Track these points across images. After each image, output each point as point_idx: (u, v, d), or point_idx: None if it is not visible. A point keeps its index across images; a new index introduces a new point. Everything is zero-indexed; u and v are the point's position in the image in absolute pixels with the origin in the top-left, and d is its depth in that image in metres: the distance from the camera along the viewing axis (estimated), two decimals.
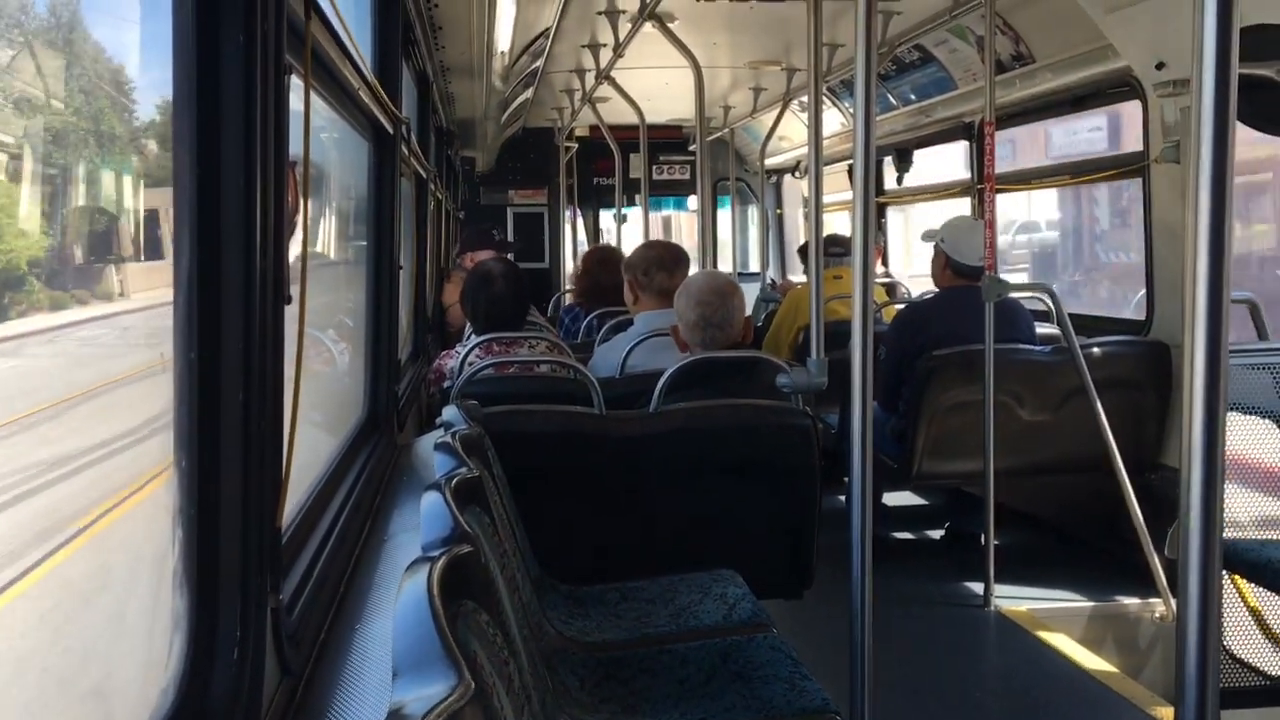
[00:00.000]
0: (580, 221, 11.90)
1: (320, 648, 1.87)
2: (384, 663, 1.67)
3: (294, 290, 1.70)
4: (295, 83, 1.78)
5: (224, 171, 1.44)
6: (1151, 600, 4.34)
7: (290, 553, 1.96)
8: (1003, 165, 5.71)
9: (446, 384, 3.90)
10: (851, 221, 2.73)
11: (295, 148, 1.77)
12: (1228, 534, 3.75)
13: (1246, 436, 3.94)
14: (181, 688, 1.43)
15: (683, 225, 15.92)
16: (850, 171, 3.22)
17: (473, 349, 3.87)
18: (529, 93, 8.32)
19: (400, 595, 1.35)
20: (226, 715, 1.43)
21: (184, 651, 1.46)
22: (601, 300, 5.59)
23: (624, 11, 5.59)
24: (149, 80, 1.54)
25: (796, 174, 10.40)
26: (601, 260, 6.08)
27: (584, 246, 11.87)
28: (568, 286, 10.57)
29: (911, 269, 10.24)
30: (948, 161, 7.24)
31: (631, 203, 9.88)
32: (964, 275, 4.98)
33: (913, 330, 4.95)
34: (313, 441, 2.63)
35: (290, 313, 1.68)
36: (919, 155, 7.71)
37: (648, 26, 5.10)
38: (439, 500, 1.81)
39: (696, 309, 3.54)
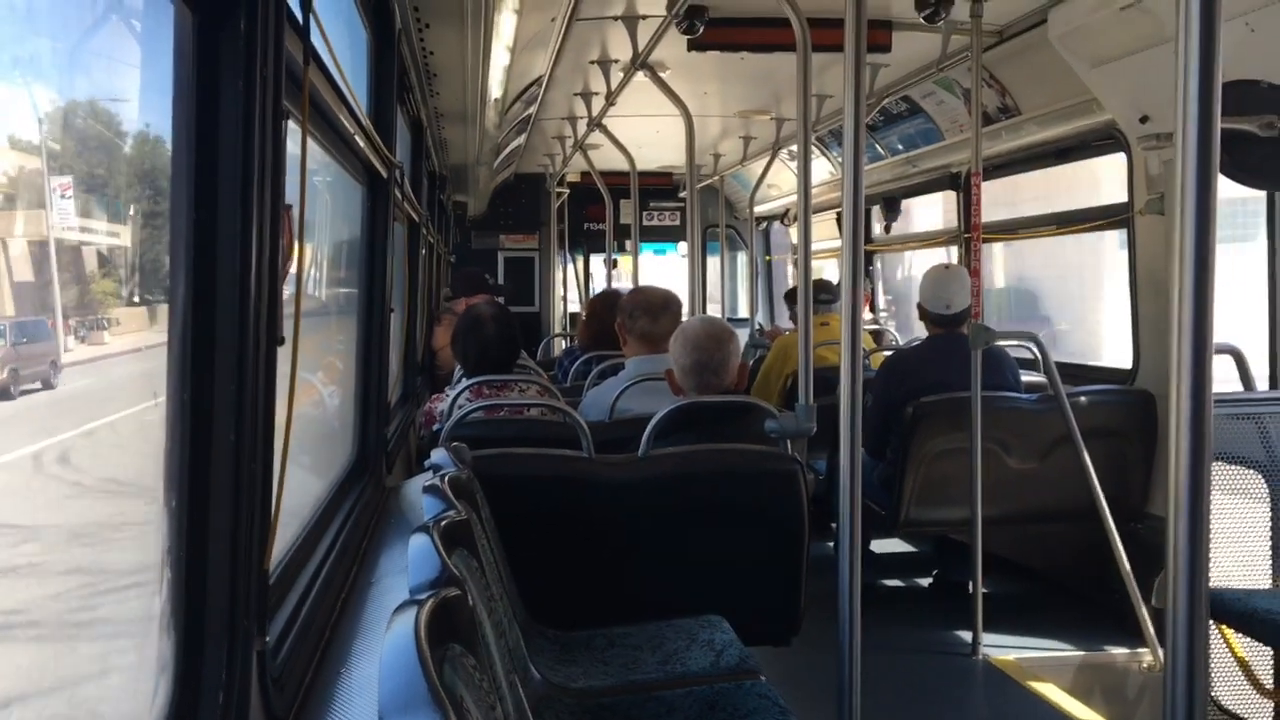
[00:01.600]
0: (571, 267, 11.97)
1: (306, 691, 1.85)
2: (370, 707, 1.66)
3: (286, 331, 1.70)
4: (292, 128, 1.80)
5: (220, 214, 1.46)
6: (1139, 650, 4.33)
7: (277, 595, 1.95)
8: None
9: (436, 427, 3.89)
10: (840, 269, 2.76)
11: (292, 191, 1.78)
12: (1215, 584, 3.75)
13: (1233, 486, 3.95)
14: None
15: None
16: (839, 219, 3.26)
17: (462, 392, 3.87)
18: (521, 139, 8.39)
19: (386, 638, 1.35)
20: None
21: (169, 694, 1.45)
22: (605, 344, 5.56)
23: (616, 61, 5.66)
24: (148, 123, 1.56)
25: (785, 221, 10.49)
26: (606, 305, 6.04)
27: (574, 292, 11.93)
28: (557, 330, 10.62)
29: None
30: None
31: (622, 248, 9.95)
32: (939, 325, 5.02)
33: (900, 377, 4.97)
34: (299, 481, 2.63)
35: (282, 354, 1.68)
36: (919, 202, 7.79)
37: (639, 76, 5.17)
38: (426, 543, 1.80)
39: (692, 354, 3.55)
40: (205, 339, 1.45)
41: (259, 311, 1.51)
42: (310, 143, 2.13)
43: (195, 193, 1.45)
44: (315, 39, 1.92)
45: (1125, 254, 4.94)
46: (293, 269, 1.88)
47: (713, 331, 3.62)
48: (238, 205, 1.46)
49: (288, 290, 1.86)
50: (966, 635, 4.47)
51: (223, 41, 1.45)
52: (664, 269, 11.57)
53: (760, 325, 10.29)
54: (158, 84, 1.47)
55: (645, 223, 11.06)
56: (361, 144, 3.02)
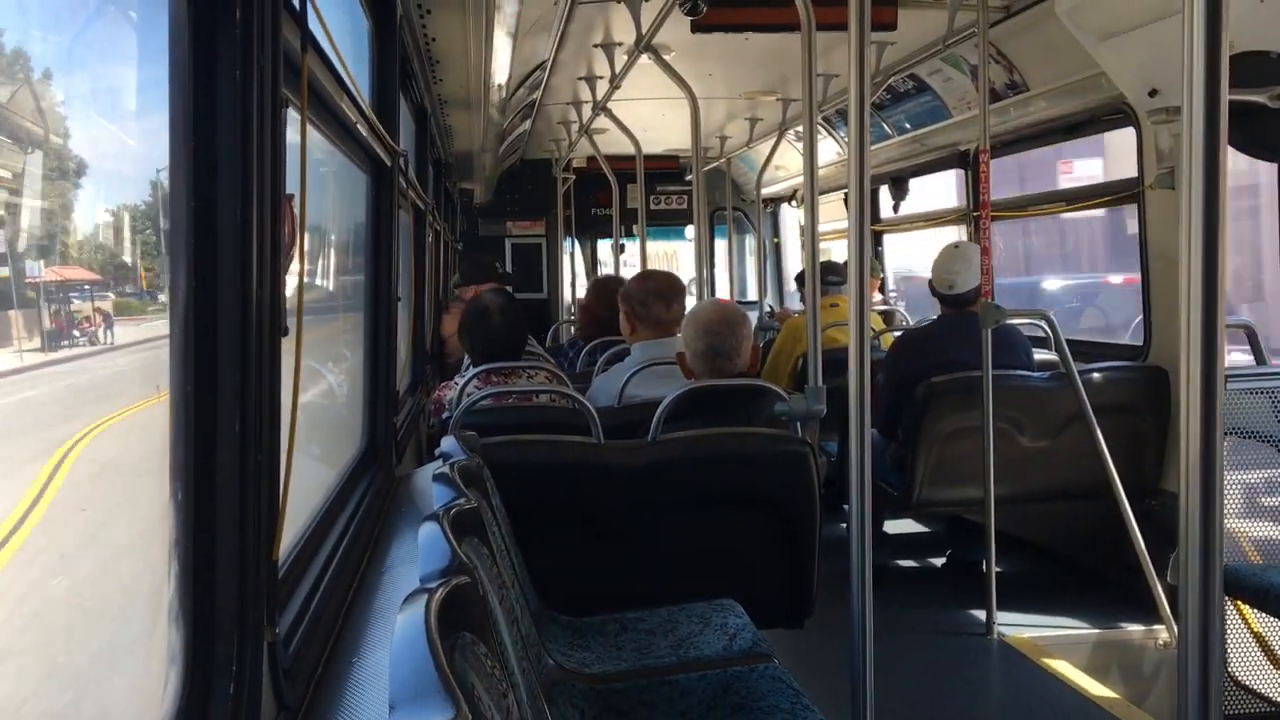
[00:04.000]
0: (579, 252, 11.95)
1: (317, 681, 1.86)
2: (381, 696, 1.66)
3: (291, 322, 1.70)
4: (292, 116, 1.79)
5: (220, 203, 1.45)
6: (1155, 627, 4.32)
7: (287, 585, 1.95)
8: None
9: (445, 415, 3.89)
10: (848, 250, 2.74)
11: (293, 180, 1.77)
12: (1231, 560, 3.73)
13: (1247, 461, 3.93)
14: None
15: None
16: (847, 199, 3.25)
17: (471, 379, 3.86)
18: (527, 125, 8.37)
19: (397, 627, 1.34)
20: None
21: (180, 686, 1.45)
22: (603, 331, 5.57)
23: (620, 44, 5.63)
24: (145, 111, 1.55)
25: (793, 203, 10.45)
26: (603, 291, 6.04)
27: (582, 277, 11.92)
28: (566, 317, 10.61)
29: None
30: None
31: (629, 233, 9.93)
32: (947, 304, 5.00)
33: (911, 357, 4.95)
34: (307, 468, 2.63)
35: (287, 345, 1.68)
36: (930, 180, 7.72)
37: (644, 58, 5.14)
38: (437, 531, 1.80)
39: (705, 338, 3.53)
40: (207, 331, 1.45)
41: (261, 302, 1.50)
42: (312, 132, 2.12)
43: (194, 183, 1.44)
44: (314, 25, 1.91)
45: None
46: (295, 259, 1.87)
47: (725, 315, 3.60)
48: (238, 195, 1.45)
49: (292, 280, 1.85)
50: (981, 615, 4.46)
51: (219, 29, 1.44)
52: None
53: (771, 308, 10.27)
54: (154, 73, 1.46)
55: (652, 206, 11.02)
56: (364, 132, 3.01)
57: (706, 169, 9.35)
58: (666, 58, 5.19)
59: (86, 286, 1.41)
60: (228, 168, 1.45)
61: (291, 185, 1.75)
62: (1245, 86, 3.68)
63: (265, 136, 1.51)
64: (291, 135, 1.74)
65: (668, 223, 11.83)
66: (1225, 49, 1.60)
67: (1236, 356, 4.93)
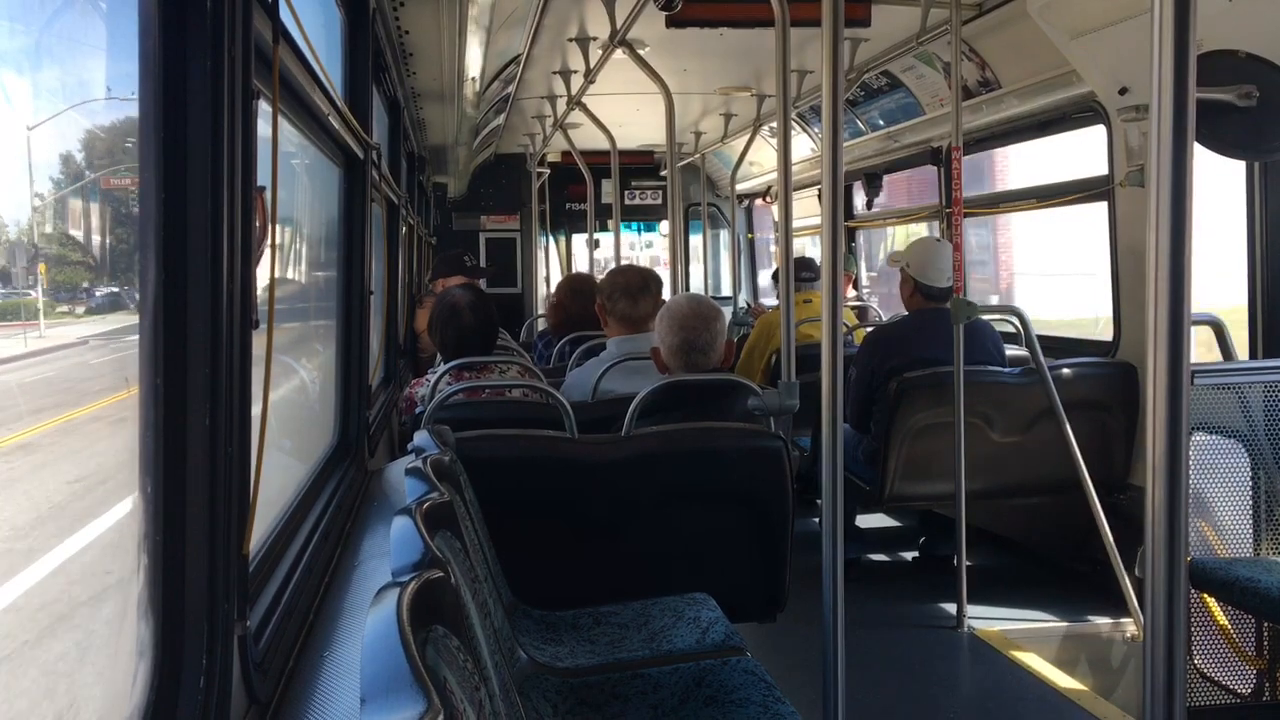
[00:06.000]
0: (553, 247, 11.95)
1: (288, 675, 1.85)
2: (352, 690, 1.65)
3: (262, 315, 1.69)
4: (264, 108, 1.78)
5: (190, 195, 1.44)
6: (1123, 620, 4.37)
7: (258, 579, 1.95)
8: None
9: (418, 410, 3.88)
10: (821, 245, 2.76)
11: (264, 173, 1.76)
12: (1198, 553, 3.78)
13: (1214, 456, 3.97)
14: (147, 717, 1.42)
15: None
16: (821, 195, 3.26)
17: (443, 375, 3.85)
18: (501, 119, 8.35)
19: (368, 621, 1.34)
20: None
21: (149, 680, 1.44)
22: (574, 327, 5.57)
23: (595, 39, 5.62)
24: (115, 102, 1.53)
25: (767, 199, 10.48)
26: (572, 291, 6.02)
27: (556, 272, 11.92)
28: (540, 311, 10.60)
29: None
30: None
31: (604, 228, 9.92)
32: (933, 298, 5.01)
33: (883, 352, 4.97)
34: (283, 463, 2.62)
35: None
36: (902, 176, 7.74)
37: (618, 53, 5.13)
38: (409, 525, 1.79)
39: (679, 333, 3.53)
40: (177, 323, 1.44)
41: (232, 295, 1.50)
42: (284, 124, 2.11)
43: (164, 174, 1.43)
44: (285, 17, 1.90)
45: None
46: (268, 251, 1.86)
47: (700, 311, 3.60)
48: (208, 187, 1.44)
49: (263, 274, 1.84)
50: (951, 608, 4.49)
51: (189, 20, 1.43)
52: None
53: (748, 303, 10.30)
54: (124, 64, 1.45)
55: (626, 202, 11.03)
56: (336, 124, 3.00)
57: (681, 164, 9.35)
58: (641, 52, 5.18)
59: None
60: (198, 159, 1.44)
61: (263, 178, 1.74)
62: (1213, 85, 3.72)
63: (236, 128, 1.50)
64: (263, 128, 1.74)
65: (642, 218, 11.84)
66: (1193, 48, 1.62)
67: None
